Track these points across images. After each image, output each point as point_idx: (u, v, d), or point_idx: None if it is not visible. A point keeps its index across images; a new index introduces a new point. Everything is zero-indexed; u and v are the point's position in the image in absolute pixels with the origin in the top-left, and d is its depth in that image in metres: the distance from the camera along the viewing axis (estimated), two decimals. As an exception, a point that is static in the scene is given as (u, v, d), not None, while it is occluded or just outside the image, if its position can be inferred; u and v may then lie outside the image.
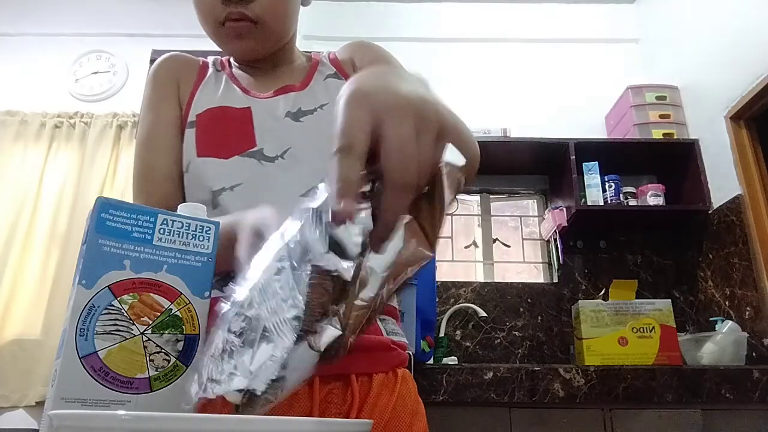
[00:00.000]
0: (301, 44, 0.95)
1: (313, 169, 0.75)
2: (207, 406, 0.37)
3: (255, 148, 0.75)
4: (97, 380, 0.40)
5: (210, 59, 0.88)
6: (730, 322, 1.95)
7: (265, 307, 0.34)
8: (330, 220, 0.30)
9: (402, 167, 0.30)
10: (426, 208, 0.34)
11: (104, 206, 0.43)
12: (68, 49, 2.93)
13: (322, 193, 0.33)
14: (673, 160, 2.42)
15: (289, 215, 0.39)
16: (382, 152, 0.31)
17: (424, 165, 0.31)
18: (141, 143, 0.80)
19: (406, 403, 0.70)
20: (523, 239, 2.66)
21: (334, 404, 0.65)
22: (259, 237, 0.47)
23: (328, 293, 0.31)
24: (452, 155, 0.34)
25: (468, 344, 2.33)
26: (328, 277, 0.31)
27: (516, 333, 2.36)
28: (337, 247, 0.31)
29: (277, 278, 0.34)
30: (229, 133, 0.77)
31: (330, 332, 0.31)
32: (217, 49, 0.83)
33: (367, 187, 0.32)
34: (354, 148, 0.30)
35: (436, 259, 2.23)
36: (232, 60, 0.88)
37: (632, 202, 2.38)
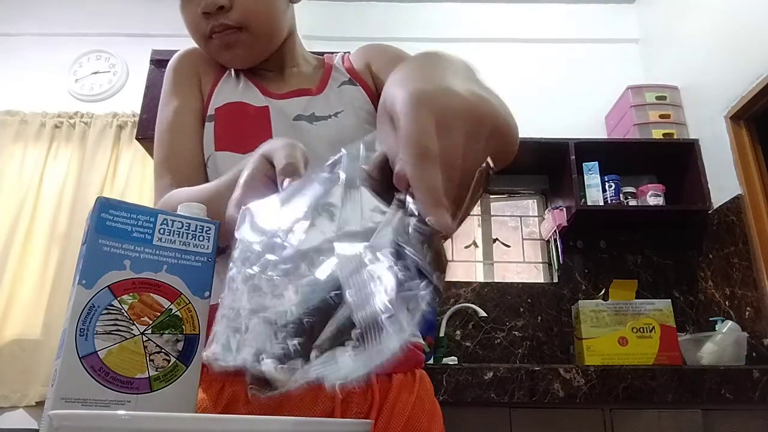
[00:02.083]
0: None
1: None
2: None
3: None
4: (97, 380, 0.40)
5: None
6: (730, 322, 1.95)
7: (354, 294, 0.31)
8: (426, 229, 0.29)
9: (447, 180, 0.30)
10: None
11: (104, 206, 0.43)
12: (68, 49, 2.93)
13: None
14: (673, 160, 2.42)
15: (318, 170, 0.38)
16: None
17: (469, 173, 0.31)
18: (164, 128, 0.79)
19: (424, 404, 0.71)
20: (523, 239, 2.66)
21: (355, 404, 0.66)
22: (269, 163, 0.45)
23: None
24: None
25: (468, 344, 2.33)
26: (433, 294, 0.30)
27: (516, 333, 2.36)
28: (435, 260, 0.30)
29: (364, 268, 0.32)
30: (247, 129, 0.77)
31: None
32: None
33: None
34: (432, 154, 0.29)
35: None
36: None
37: (632, 202, 2.38)
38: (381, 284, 0.31)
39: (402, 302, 0.30)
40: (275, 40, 0.82)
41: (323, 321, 0.32)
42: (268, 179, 0.45)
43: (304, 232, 0.36)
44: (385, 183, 0.35)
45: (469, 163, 0.31)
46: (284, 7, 0.82)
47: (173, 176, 0.75)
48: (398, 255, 0.31)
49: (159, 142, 0.79)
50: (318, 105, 0.80)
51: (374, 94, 0.84)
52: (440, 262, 0.30)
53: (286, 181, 0.41)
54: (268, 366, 0.32)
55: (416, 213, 0.30)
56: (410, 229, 0.30)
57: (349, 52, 0.90)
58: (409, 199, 0.31)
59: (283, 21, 0.82)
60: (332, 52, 0.92)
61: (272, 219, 0.39)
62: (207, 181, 0.77)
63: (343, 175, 0.37)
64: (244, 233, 0.40)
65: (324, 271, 0.34)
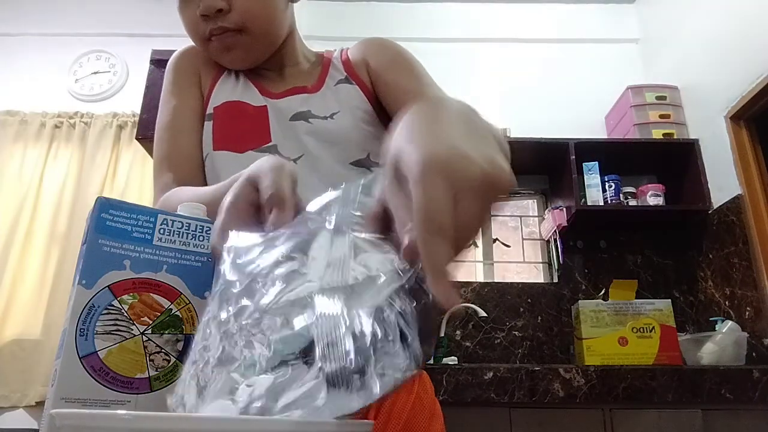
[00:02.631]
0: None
1: (325, 175, 0.74)
2: None
3: (270, 144, 0.75)
4: (97, 380, 0.40)
5: None
6: (730, 322, 1.95)
7: (325, 352, 0.30)
8: (428, 303, 0.29)
9: (458, 253, 0.29)
10: None
11: (104, 206, 0.43)
12: (68, 49, 2.92)
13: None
14: (673, 160, 2.42)
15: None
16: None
17: (476, 235, 0.31)
18: (164, 127, 0.79)
19: (424, 404, 0.69)
20: (523, 239, 2.66)
21: None
22: (254, 188, 0.43)
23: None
24: None
25: (468, 344, 2.33)
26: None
27: (516, 333, 2.36)
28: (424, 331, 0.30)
29: (342, 328, 0.31)
30: (245, 128, 0.77)
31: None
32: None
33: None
34: (445, 232, 0.28)
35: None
36: None
37: (632, 202, 2.38)
38: (356, 341, 0.29)
39: (374, 362, 0.29)
40: (275, 40, 0.81)
41: (292, 380, 0.31)
42: (252, 206, 0.43)
43: (284, 281, 0.35)
44: (378, 233, 0.34)
45: (479, 229, 0.31)
46: (283, 6, 0.81)
47: (173, 175, 0.75)
48: (382, 320, 0.30)
49: (158, 140, 0.79)
50: (314, 104, 0.79)
51: (371, 92, 0.82)
52: (430, 337, 0.29)
53: (274, 213, 0.40)
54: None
55: (421, 285, 0.30)
56: (410, 299, 0.30)
57: (348, 48, 0.89)
58: (400, 266, 0.31)
59: (283, 21, 0.81)
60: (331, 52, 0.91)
61: (255, 259, 0.37)
62: (206, 179, 0.77)
63: (332, 222, 0.36)
64: (225, 270, 0.38)
65: (300, 326, 0.32)
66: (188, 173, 0.76)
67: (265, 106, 0.79)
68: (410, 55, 0.84)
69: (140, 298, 0.43)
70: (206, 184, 0.77)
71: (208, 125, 0.78)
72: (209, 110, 0.79)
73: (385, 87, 0.81)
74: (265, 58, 0.82)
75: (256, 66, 0.84)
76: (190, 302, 0.45)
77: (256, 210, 0.42)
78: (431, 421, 0.69)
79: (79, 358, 0.40)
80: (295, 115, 0.78)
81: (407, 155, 0.31)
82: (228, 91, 0.81)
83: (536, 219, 2.67)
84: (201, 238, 0.46)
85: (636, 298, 1.96)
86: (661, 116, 2.47)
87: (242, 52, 0.78)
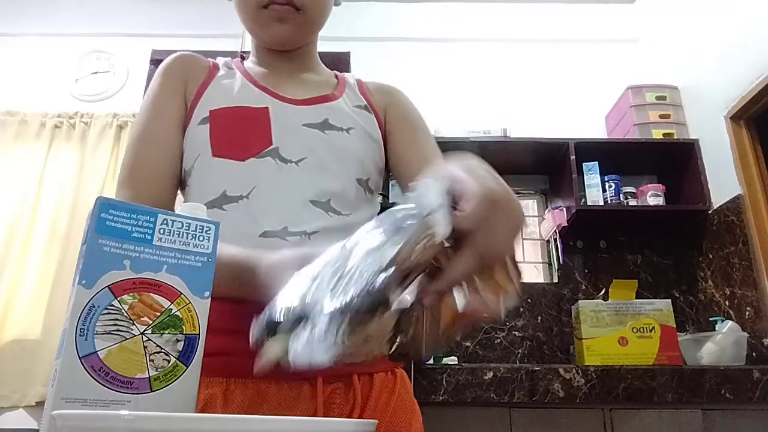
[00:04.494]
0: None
1: (328, 179, 0.74)
2: None
3: (271, 147, 0.74)
4: (97, 380, 0.40)
5: (220, 60, 0.86)
6: (730, 322, 1.95)
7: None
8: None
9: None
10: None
11: (104, 206, 0.43)
12: (68, 49, 2.93)
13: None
14: (673, 160, 2.42)
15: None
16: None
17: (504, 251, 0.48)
18: (136, 136, 0.76)
19: (405, 402, 0.72)
20: (523, 239, 2.66)
21: (337, 404, 0.66)
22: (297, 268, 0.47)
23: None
24: None
25: (468, 344, 2.33)
26: None
27: (516, 333, 2.36)
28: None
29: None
30: (246, 134, 0.75)
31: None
32: (214, 49, 0.81)
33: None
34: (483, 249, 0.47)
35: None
36: (245, 62, 0.87)
37: (632, 202, 2.38)
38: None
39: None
40: (317, 30, 0.86)
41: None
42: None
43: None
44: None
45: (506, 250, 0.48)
46: (332, 4, 0.86)
47: (133, 192, 0.72)
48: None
49: (129, 150, 0.76)
50: (331, 114, 0.80)
51: (383, 128, 0.86)
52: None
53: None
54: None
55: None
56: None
57: (360, 79, 0.92)
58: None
59: (327, 16, 0.85)
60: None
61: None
62: (171, 193, 0.76)
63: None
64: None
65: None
66: (154, 192, 0.73)
67: (267, 107, 0.77)
68: (418, 112, 0.90)
69: (140, 298, 0.43)
70: (173, 197, 0.76)
71: (204, 128, 0.75)
72: (204, 113, 0.76)
73: (400, 145, 0.85)
74: (300, 44, 0.85)
75: (271, 62, 0.85)
76: (190, 302, 0.45)
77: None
78: (412, 419, 0.71)
79: (79, 358, 0.40)
80: (309, 122, 0.77)
81: (469, 183, 0.43)
82: (224, 91, 0.79)
83: (536, 219, 2.67)
84: (201, 238, 0.46)
85: (636, 298, 1.96)
86: (661, 116, 2.47)
87: (292, 29, 0.80)
